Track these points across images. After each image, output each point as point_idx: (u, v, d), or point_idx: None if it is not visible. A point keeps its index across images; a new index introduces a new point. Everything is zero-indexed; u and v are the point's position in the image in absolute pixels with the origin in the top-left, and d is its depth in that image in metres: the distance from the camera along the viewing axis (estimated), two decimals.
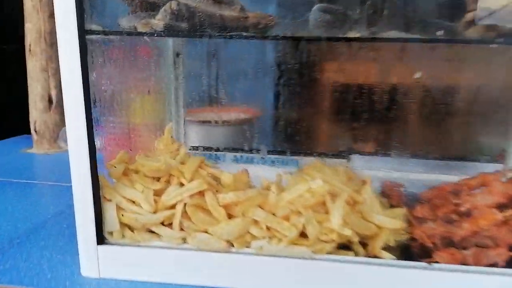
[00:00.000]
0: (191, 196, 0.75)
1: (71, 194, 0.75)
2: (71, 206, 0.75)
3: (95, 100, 0.80)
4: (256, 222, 0.75)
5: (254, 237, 0.75)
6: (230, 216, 0.75)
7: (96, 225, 0.75)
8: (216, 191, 0.76)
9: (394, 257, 0.76)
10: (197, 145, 1.25)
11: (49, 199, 1.13)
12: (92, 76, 0.66)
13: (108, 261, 0.77)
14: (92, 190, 0.74)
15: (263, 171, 0.94)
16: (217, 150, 1.25)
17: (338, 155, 1.20)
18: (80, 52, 0.67)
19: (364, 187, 0.85)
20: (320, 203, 0.76)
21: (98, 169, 0.75)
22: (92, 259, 0.76)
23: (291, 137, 1.31)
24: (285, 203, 0.75)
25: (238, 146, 1.25)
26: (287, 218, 0.74)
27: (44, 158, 1.50)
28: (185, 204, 0.75)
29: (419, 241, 0.83)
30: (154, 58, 1.14)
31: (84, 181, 0.73)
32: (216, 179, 0.83)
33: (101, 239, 0.76)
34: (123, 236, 0.78)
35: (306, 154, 1.20)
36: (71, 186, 0.74)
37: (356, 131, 1.28)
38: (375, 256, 0.77)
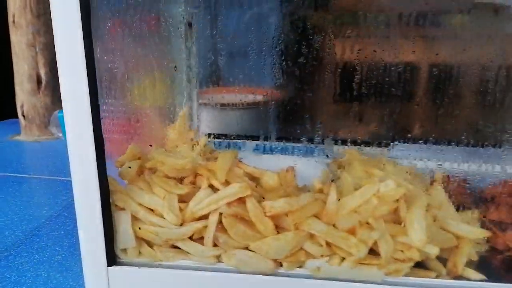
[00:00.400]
0: (229, 204, 0.58)
1: (69, 191, 0.57)
2: (69, 206, 0.58)
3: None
4: (312, 236, 0.59)
5: (309, 255, 0.59)
6: (278, 229, 0.59)
7: (105, 242, 0.58)
8: (262, 197, 0.59)
9: (483, 276, 0.60)
10: (212, 132, 1.08)
11: (42, 198, 0.95)
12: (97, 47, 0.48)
13: (121, 285, 0.60)
14: (100, 196, 0.56)
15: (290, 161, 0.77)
16: (236, 137, 1.07)
17: (376, 143, 1.04)
18: (81, 12, 0.49)
19: (434, 186, 0.69)
20: (391, 211, 0.60)
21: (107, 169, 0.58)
22: (101, 283, 0.60)
23: (322, 123, 1.13)
24: (348, 212, 0.59)
25: (259, 133, 1.08)
26: (352, 232, 0.58)
27: (34, 147, 1.31)
28: (220, 214, 0.58)
29: (505, 253, 0.67)
30: (162, 29, 0.95)
31: (89, 185, 0.56)
32: (254, 179, 0.66)
33: (112, 259, 0.60)
34: (140, 253, 0.61)
35: (339, 142, 1.04)
36: (68, 180, 0.56)
37: (400, 114, 1.10)
38: (460, 276, 0.61)
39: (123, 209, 0.61)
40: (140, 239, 0.61)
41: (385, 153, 1.01)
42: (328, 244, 0.59)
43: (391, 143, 1.03)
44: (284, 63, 0.98)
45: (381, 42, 0.89)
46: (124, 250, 0.61)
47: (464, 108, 1.00)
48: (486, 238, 0.66)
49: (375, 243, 0.58)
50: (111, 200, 0.60)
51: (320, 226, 0.58)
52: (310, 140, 1.10)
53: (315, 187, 0.64)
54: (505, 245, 0.68)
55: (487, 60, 0.87)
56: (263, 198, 0.59)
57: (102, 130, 0.58)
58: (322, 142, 0.94)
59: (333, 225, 0.59)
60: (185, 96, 1.09)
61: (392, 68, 0.96)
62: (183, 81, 1.08)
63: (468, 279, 0.61)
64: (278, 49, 0.95)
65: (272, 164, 0.78)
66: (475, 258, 0.64)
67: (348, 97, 1.09)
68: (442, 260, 0.63)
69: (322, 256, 0.59)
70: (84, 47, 0.51)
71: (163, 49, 0.96)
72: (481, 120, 1.00)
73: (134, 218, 0.61)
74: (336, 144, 1.02)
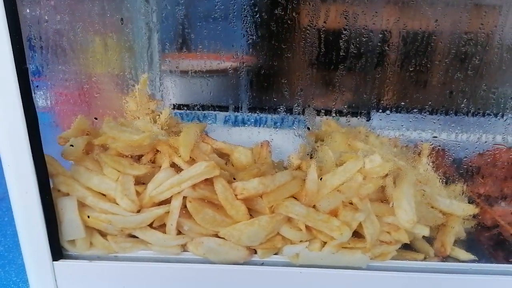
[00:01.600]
0: (194, 186, 0.49)
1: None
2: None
3: (32, 42, 0.53)
4: (290, 220, 0.52)
5: (286, 241, 0.53)
6: (251, 213, 0.51)
7: (48, 234, 0.49)
8: (233, 178, 0.51)
9: (475, 257, 0.56)
10: (177, 103, 0.97)
11: None
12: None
13: (69, 282, 0.52)
14: (37, 180, 0.47)
15: (263, 136, 0.69)
16: (203, 108, 0.97)
17: (355, 113, 0.97)
18: None
19: (420, 159, 0.63)
20: (377, 189, 0.54)
21: (43, 146, 0.48)
22: (46, 280, 0.51)
23: (297, 91, 1.04)
24: (330, 191, 0.52)
25: (229, 103, 0.99)
26: (334, 213, 0.51)
27: None
28: (184, 198, 0.50)
29: (494, 229, 0.63)
30: None
31: (22, 168, 0.46)
32: (223, 156, 0.58)
33: (57, 253, 0.51)
34: (92, 245, 0.53)
35: (317, 112, 0.96)
36: None
37: (379, 82, 1.03)
38: (448, 257, 0.56)
39: (67, 194, 0.51)
40: (91, 229, 0.52)
41: (365, 123, 0.94)
42: (307, 228, 0.52)
43: (371, 113, 0.95)
44: (256, 25, 0.87)
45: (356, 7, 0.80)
46: (72, 242, 0.53)
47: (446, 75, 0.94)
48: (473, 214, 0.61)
49: (360, 225, 0.52)
50: (51, 185, 0.50)
51: (299, 208, 0.51)
52: (286, 110, 1.01)
53: (292, 164, 0.57)
54: (493, 220, 0.63)
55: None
56: (234, 178, 0.51)
57: (35, 101, 0.48)
58: (300, 112, 0.85)
59: (313, 207, 0.52)
60: (145, 60, 0.96)
61: (367, 35, 0.86)
62: (143, 43, 0.95)
63: (457, 260, 0.56)
64: (251, 6, 0.84)
65: (244, 138, 0.70)
66: (463, 235, 0.60)
67: (325, 64, 1.00)
68: (427, 239, 0.59)
69: (301, 241, 0.52)
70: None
71: (116, 3, 0.83)
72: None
73: (82, 205, 0.51)
74: (314, 114, 0.93)
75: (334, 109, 0.87)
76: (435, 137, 0.63)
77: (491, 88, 0.73)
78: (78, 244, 0.52)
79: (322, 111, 0.91)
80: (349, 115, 0.96)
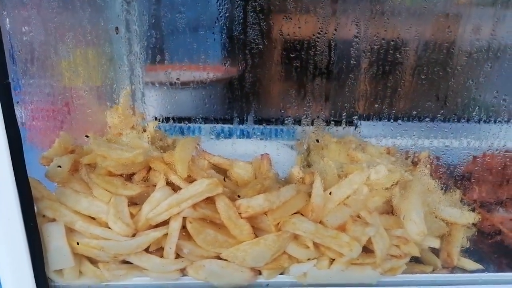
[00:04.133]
0: (195, 205, 0.46)
1: None
2: None
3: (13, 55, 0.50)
4: (296, 237, 0.49)
5: (293, 260, 0.49)
6: (255, 232, 0.48)
7: (32, 264, 0.44)
8: (237, 196, 0.48)
9: (480, 266, 0.55)
10: (161, 116, 0.93)
11: None
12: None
13: None
14: (20, 206, 0.42)
15: (254, 147, 0.67)
16: (190, 120, 0.93)
17: (344, 121, 0.96)
18: None
19: (417, 168, 0.62)
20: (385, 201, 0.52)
21: (27, 167, 0.44)
22: None
23: (287, 102, 1.03)
24: (337, 205, 0.50)
25: (216, 115, 0.95)
26: (342, 228, 0.49)
27: None
28: (184, 219, 0.46)
29: (494, 236, 0.63)
30: None
31: (4, 193, 0.41)
32: (221, 171, 0.55)
33: (43, 284, 0.46)
34: (81, 273, 0.48)
35: (306, 122, 0.94)
36: None
37: (366, 91, 1.03)
38: (455, 267, 0.55)
39: (53, 220, 0.46)
40: (80, 256, 0.48)
41: (353, 132, 0.93)
42: (315, 245, 0.49)
43: (358, 122, 0.94)
44: (242, 36, 0.84)
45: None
46: (60, 272, 0.48)
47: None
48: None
49: (368, 239, 0.50)
50: (36, 210, 0.45)
51: (307, 225, 0.48)
52: (275, 121, 0.98)
53: (294, 177, 0.54)
54: (493, 227, 0.63)
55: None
56: (239, 196, 0.48)
57: (19, 118, 0.44)
58: (290, 122, 0.82)
59: (320, 222, 0.50)
60: (128, 72, 0.92)
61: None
62: (125, 55, 0.91)
63: (464, 270, 0.55)
64: (236, 18, 0.81)
65: (232, 149, 0.67)
66: (467, 244, 0.59)
67: (313, 74, 0.98)
68: (433, 250, 0.57)
69: (308, 259, 0.50)
70: None
71: (98, 14, 0.79)
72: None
73: (70, 231, 0.47)
74: (301, 124, 0.91)
75: (316, 118, 0.84)
76: (447, 146, 0.62)
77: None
78: (66, 274, 0.48)
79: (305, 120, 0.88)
80: (337, 124, 0.95)
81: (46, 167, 0.50)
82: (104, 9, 0.77)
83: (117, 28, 0.62)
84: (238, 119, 0.89)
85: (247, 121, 0.88)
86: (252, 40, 0.79)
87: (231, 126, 0.91)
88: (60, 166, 0.47)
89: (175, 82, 0.89)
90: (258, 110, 0.90)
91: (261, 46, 0.97)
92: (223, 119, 0.94)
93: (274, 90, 1.04)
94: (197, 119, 0.90)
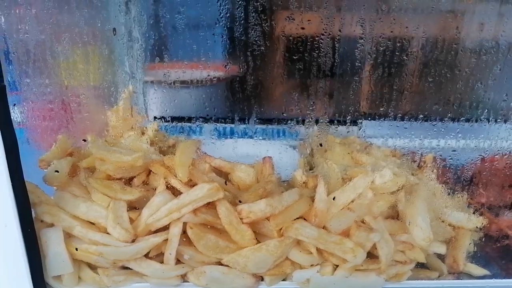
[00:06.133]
0: (195, 210, 0.45)
1: None
2: None
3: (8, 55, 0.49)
4: (299, 243, 0.48)
5: (295, 266, 0.48)
6: (257, 237, 0.47)
7: (31, 270, 0.43)
8: (239, 201, 0.47)
9: (487, 272, 0.54)
10: (162, 116, 0.92)
11: None
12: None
13: None
14: (18, 211, 0.41)
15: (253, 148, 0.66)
16: (191, 120, 0.92)
17: (346, 121, 0.94)
18: None
19: (423, 171, 0.61)
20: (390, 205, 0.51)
21: (25, 171, 0.43)
22: None
23: (290, 102, 1.01)
24: (341, 210, 0.49)
25: (217, 115, 0.94)
26: (346, 234, 0.48)
27: None
28: (184, 224, 0.45)
29: (501, 241, 0.61)
30: None
31: (0, 198, 0.40)
32: (222, 174, 0.54)
33: None
34: (80, 279, 0.47)
35: (308, 122, 0.93)
36: None
37: (368, 91, 1.01)
38: (462, 273, 0.54)
39: (51, 225, 0.46)
40: (79, 262, 0.47)
41: (357, 132, 0.92)
42: (318, 251, 0.48)
43: (361, 121, 0.93)
44: (247, 34, 0.83)
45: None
46: (58, 278, 0.47)
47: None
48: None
49: (373, 245, 0.48)
50: (34, 214, 0.45)
51: (310, 230, 0.47)
52: (277, 121, 0.97)
53: (297, 181, 0.53)
54: (500, 232, 0.62)
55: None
56: (240, 201, 0.46)
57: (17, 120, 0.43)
58: (292, 122, 0.81)
59: (323, 227, 0.49)
60: (128, 72, 0.91)
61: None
62: (125, 54, 0.90)
63: (471, 275, 0.54)
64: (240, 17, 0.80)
65: (234, 150, 0.66)
66: (473, 249, 0.58)
67: (316, 74, 0.97)
68: (438, 255, 0.56)
69: (311, 265, 0.49)
70: None
71: (97, 14, 0.77)
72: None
73: (68, 236, 0.46)
74: (305, 124, 0.90)
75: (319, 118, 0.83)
76: (454, 150, 0.60)
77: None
78: (65, 280, 0.47)
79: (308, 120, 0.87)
80: (339, 124, 0.93)
81: (45, 170, 0.50)
82: (101, 9, 0.76)
83: (114, 30, 0.61)
84: (240, 119, 0.88)
85: (252, 121, 0.87)
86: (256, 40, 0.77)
87: (233, 125, 0.90)
88: (57, 171, 0.46)
89: (175, 82, 0.88)
90: (261, 110, 0.89)
91: (265, 46, 0.95)
92: (226, 118, 0.93)
93: (279, 89, 1.02)
94: (208, 118, 0.88)
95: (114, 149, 0.50)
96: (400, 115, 0.87)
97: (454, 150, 0.62)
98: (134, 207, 0.49)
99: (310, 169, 0.61)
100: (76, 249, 0.46)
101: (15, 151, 0.41)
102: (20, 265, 0.44)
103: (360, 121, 0.93)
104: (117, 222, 0.45)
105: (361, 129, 0.92)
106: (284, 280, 0.50)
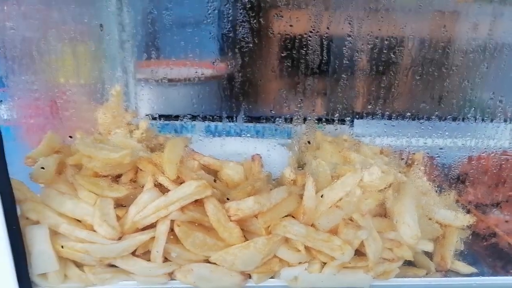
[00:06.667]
0: (183, 208, 0.45)
1: None
2: None
3: None
4: (287, 240, 0.48)
5: (283, 263, 0.48)
6: (245, 234, 0.47)
7: (16, 268, 0.43)
8: (227, 198, 0.47)
9: (474, 269, 0.54)
10: (152, 113, 0.91)
11: None
12: None
13: None
14: (2, 208, 0.41)
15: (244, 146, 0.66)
16: (182, 118, 0.92)
17: (337, 120, 0.94)
18: None
19: (411, 169, 0.61)
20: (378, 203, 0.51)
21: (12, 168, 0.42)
22: None
23: (279, 100, 1.01)
24: (329, 207, 0.49)
25: (208, 113, 0.93)
26: (334, 231, 0.48)
27: None
28: (171, 221, 0.45)
29: (489, 239, 0.62)
30: None
31: None
32: (211, 172, 0.53)
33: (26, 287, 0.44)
34: (66, 277, 0.46)
35: (298, 120, 0.93)
36: None
37: (360, 90, 1.01)
38: (449, 271, 0.54)
39: (37, 222, 0.45)
40: (65, 260, 0.47)
41: (347, 130, 0.92)
42: (306, 248, 0.48)
43: (353, 120, 0.93)
44: (240, 31, 0.82)
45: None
46: (44, 276, 0.47)
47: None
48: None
49: (361, 242, 0.49)
50: (19, 212, 0.44)
51: (298, 228, 0.47)
52: (267, 119, 0.97)
53: (286, 178, 0.53)
54: (488, 229, 0.62)
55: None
56: (228, 198, 0.46)
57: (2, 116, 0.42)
58: (282, 120, 0.81)
59: (311, 225, 0.49)
60: (118, 69, 0.90)
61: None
62: (116, 51, 0.89)
63: (458, 273, 0.54)
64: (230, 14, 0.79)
65: (223, 148, 0.66)
66: (461, 247, 0.58)
67: (309, 71, 0.96)
68: (426, 252, 0.56)
69: (300, 263, 0.49)
70: None
71: (86, 8, 0.77)
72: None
73: (54, 234, 0.46)
74: (297, 122, 0.90)
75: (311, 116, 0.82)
76: (441, 148, 0.61)
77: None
78: (51, 278, 0.46)
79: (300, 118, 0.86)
80: (331, 122, 0.93)
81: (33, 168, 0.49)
82: (90, 4, 0.75)
83: (101, 25, 0.60)
84: (228, 117, 0.87)
85: (243, 119, 0.87)
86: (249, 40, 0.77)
87: (225, 123, 0.89)
88: (43, 168, 0.46)
89: (166, 79, 0.87)
90: (250, 107, 0.88)
91: (259, 43, 0.94)
92: (216, 116, 0.93)
93: (272, 87, 1.01)
94: (190, 117, 0.88)
95: (101, 146, 0.50)
96: (388, 113, 0.87)
97: (441, 148, 0.62)
98: (121, 204, 0.49)
99: (299, 167, 0.62)
100: (62, 247, 0.45)
101: (0, 148, 0.40)
102: (4, 263, 0.43)
103: (348, 119, 0.93)
104: (103, 220, 0.45)
105: (350, 127, 0.92)
106: (272, 277, 0.50)
